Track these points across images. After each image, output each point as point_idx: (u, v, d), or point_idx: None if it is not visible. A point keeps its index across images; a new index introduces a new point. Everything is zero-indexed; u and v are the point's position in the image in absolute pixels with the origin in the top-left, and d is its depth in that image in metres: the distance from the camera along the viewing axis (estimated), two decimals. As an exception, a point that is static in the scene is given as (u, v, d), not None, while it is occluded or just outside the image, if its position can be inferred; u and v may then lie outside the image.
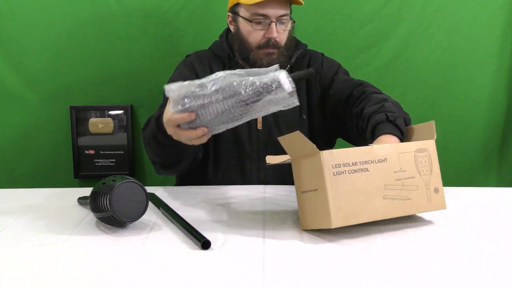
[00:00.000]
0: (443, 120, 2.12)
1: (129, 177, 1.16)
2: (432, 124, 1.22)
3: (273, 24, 1.52)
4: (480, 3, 2.05)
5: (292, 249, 1.06)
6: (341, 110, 1.58)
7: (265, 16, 1.52)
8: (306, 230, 1.15)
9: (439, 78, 2.10)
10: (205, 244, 1.05)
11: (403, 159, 1.14)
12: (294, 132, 1.08)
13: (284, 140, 1.14)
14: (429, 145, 1.19)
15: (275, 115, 1.57)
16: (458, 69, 2.10)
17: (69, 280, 0.93)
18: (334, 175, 1.06)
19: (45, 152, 2.04)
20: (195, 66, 1.63)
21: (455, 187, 1.46)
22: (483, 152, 2.21)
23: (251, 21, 1.53)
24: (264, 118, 1.59)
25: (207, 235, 1.08)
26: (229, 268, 0.98)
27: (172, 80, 1.61)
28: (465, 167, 2.19)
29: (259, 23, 1.53)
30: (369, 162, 1.10)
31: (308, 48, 1.71)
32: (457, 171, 2.17)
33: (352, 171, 1.08)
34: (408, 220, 1.21)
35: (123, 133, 2.05)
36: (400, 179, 1.13)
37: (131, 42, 1.97)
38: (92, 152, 2.06)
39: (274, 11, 1.52)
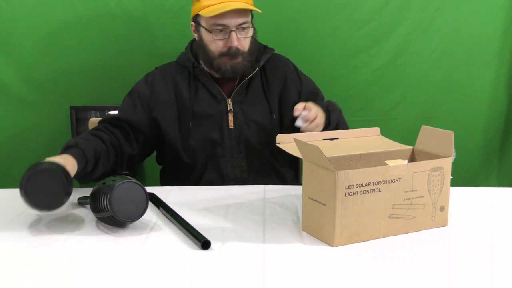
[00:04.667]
0: (443, 120, 2.12)
1: (129, 177, 1.16)
2: (451, 136, 1.17)
3: (233, 33, 1.54)
4: (480, 3, 2.05)
5: (292, 249, 1.06)
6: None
7: (224, 26, 1.54)
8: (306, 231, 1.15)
9: (439, 78, 2.10)
10: (205, 244, 1.05)
11: (417, 178, 1.12)
12: (313, 145, 1.05)
13: (299, 143, 1.11)
14: (445, 163, 1.16)
15: (245, 115, 1.63)
16: (458, 69, 2.10)
17: (69, 280, 0.93)
18: (345, 196, 1.04)
19: (45, 152, 2.02)
20: (156, 83, 1.65)
21: (455, 187, 1.46)
22: (484, 152, 2.21)
23: (211, 31, 1.55)
24: (234, 117, 1.62)
25: (207, 235, 1.08)
26: (229, 268, 0.98)
27: (132, 91, 1.66)
28: (465, 167, 2.19)
29: (219, 31, 1.55)
30: (382, 182, 1.08)
31: (275, 50, 1.72)
32: (457, 171, 2.14)
33: (364, 192, 1.06)
34: (408, 220, 1.21)
35: (123, 133, 2.05)
36: (409, 198, 1.12)
37: (131, 42, 1.97)
38: (92, 152, 2.06)
39: (233, 21, 1.54)
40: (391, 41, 2.05)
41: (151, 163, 1.81)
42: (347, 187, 1.04)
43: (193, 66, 1.64)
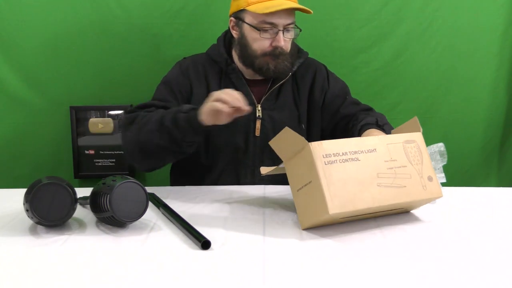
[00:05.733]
0: (443, 120, 2.12)
1: (129, 177, 1.16)
2: (415, 120, 1.23)
3: (281, 33, 1.51)
4: (480, 3, 2.05)
5: (292, 249, 1.06)
6: (341, 127, 1.61)
7: (273, 24, 1.50)
8: (306, 230, 1.15)
9: (439, 78, 2.10)
10: (205, 244, 1.05)
11: (393, 149, 1.17)
12: (283, 129, 1.10)
13: (274, 142, 1.17)
14: (417, 137, 1.21)
15: (274, 122, 1.59)
16: (458, 69, 2.10)
17: (69, 280, 0.93)
18: (325, 164, 1.09)
19: (45, 152, 2.04)
20: (190, 72, 1.62)
21: (455, 187, 1.46)
22: (483, 152, 2.21)
23: (259, 30, 1.51)
24: (262, 125, 1.59)
25: (207, 235, 1.08)
26: (229, 268, 0.98)
27: (167, 79, 1.62)
28: (465, 167, 2.19)
29: (266, 31, 1.51)
30: (359, 152, 1.13)
31: (309, 54, 1.70)
32: (457, 171, 2.17)
33: (343, 161, 1.11)
34: (407, 219, 1.22)
35: (123, 133, 2.05)
36: (392, 167, 1.15)
37: (131, 42, 1.97)
38: (92, 152, 2.06)
39: (282, 20, 1.50)
40: (391, 41, 2.05)
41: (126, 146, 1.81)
42: (324, 155, 1.09)
43: (226, 63, 1.60)
